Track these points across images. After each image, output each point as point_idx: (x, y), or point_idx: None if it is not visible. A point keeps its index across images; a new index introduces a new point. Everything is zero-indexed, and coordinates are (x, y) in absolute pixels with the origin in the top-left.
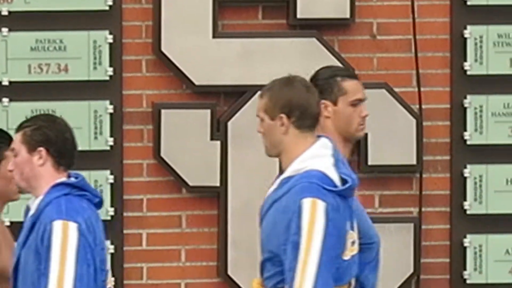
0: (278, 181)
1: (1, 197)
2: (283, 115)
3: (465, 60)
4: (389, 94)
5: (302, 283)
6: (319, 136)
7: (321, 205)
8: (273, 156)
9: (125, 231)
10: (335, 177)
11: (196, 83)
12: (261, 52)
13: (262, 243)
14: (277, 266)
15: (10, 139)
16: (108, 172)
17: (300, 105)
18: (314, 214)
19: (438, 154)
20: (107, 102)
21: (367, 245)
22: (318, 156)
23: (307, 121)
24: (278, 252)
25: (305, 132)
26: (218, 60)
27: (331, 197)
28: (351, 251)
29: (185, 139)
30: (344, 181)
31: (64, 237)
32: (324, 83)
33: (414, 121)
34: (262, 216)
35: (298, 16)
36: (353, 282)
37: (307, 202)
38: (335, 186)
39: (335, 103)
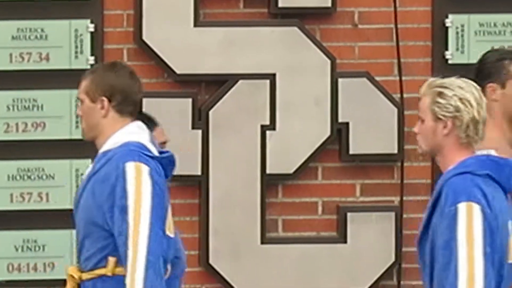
0: (95, 159)
1: None
2: (104, 98)
3: (447, 49)
4: (371, 83)
5: (136, 244)
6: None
7: (145, 168)
8: (90, 139)
9: None
10: (153, 149)
11: (178, 72)
12: (243, 41)
13: (79, 223)
14: (98, 241)
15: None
16: (89, 161)
17: (122, 90)
18: (139, 177)
19: None
20: None
21: None
22: (135, 133)
23: (129, 107)
24: (101, 223)
25: (124, 117)
26: (199, 49)
27: (153, 163)
28: None
29: (166, 128)
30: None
31: None
32: (492, 66)
33: (395, 110)
34: (79, 196)
35: (280, 5)
36: None
37: (130, 166)
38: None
39: (503, 85)
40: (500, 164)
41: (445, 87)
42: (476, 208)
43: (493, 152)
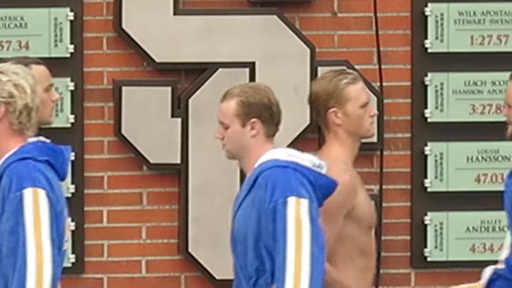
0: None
1: None
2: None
3: (426, 38)
4: None
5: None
6: None
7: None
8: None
9: (85, 208)
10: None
11: (157, 60)
12: (222, 29)
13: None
14: None
15: None
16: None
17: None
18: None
19: (399, 132)
20: (68, 79)
21: None
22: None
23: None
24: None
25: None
26: (179, 37)
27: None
28: None
29: (146, 116)
30: None
31: None
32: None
33: (375, 98)
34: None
35: None
36: None
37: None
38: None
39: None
40: (56, 151)
41: (0, 72)
42: (42, 194)
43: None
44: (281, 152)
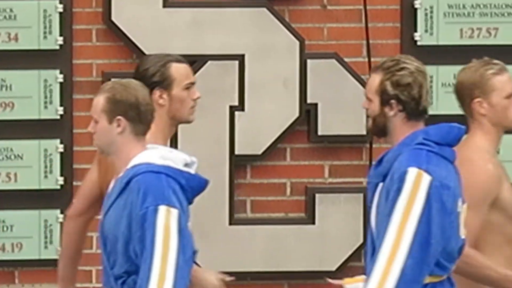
0: None
1: None
2: None
3: (415, 31)
4: (339, 64)
5: None
6: None
7: None
8: None
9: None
10: None
11: (146, 52)
12: (212, 22)
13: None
14: None
15: None
16: (58, 141)
17: None
18: None
19: None
20: (57, 71)
21: None
22: None
23: None
24: None
25: None
26: (168, 30)
27: None
28: None
29: None
30: None
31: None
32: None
33: (364, 91)
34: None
35: None
36: None
37: None
38: None
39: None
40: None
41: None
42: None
43: None
44: (154, 155)
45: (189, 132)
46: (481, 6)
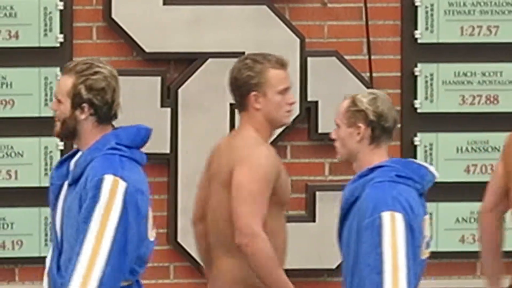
0: None
1: None
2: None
3: (416, 28)
4: (340, 62)
5: None
6: None
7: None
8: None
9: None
10: None
11: (147, 50)
12: (212, 19)
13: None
14: None
15: None
16: (58, 139)
17: None
18: None
19: None
20: (58, 69)
21: None
22: None
23: None
24: None
25: None
26: (168, 27)
27: None
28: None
29: (136, 106)
30: None
31: None
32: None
33: (364, 89)
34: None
35: None
36: None
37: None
38: None
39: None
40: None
41: None
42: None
43: None
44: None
45: (190, 129)
46: (482, 3)
